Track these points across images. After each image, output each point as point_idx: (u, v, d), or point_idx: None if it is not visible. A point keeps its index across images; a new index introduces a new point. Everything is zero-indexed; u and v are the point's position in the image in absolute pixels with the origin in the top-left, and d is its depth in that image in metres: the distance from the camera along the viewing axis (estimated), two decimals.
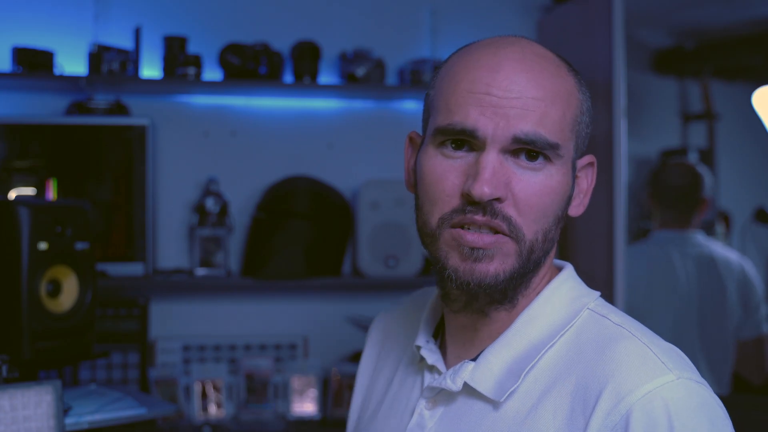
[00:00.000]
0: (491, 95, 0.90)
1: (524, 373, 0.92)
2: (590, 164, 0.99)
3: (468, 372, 0.95)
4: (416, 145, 1.03)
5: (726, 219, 3.93)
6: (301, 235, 2.76)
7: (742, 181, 4.24)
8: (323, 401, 2.71)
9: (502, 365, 0.94)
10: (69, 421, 1.56)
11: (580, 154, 0.97)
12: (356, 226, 2.83)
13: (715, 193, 2.99)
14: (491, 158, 0.89)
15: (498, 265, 0.91)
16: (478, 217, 0.89)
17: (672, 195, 2.87)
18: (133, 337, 2.62)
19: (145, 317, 2.65)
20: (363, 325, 2.72)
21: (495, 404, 0.93)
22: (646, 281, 2.81)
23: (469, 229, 0.91)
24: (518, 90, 0.90)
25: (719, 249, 2.94)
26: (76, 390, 1.80)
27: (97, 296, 1.75)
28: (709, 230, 3.27)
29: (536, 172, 0.90)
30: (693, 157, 3.73)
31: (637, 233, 3.60)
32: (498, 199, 0.89)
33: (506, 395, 0.92)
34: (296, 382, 2.71)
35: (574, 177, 0.96)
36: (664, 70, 4.28)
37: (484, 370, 0.95)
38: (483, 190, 0.87)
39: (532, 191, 0.90)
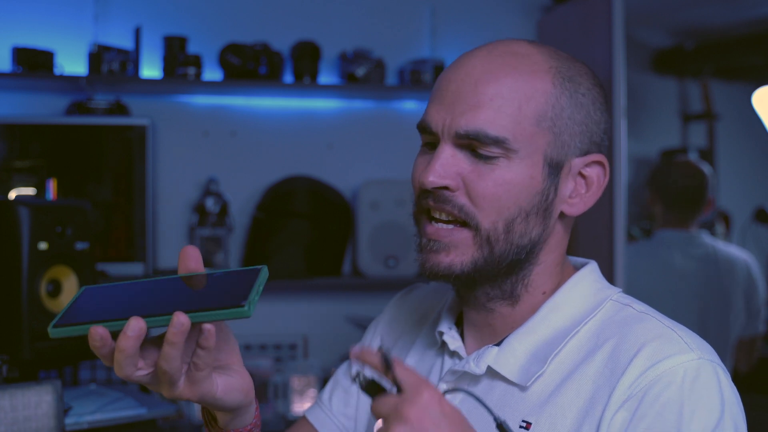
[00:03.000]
0: (448, 91, 0.95)
1: (550, 359, 0.94)
2: (597, 163, 0.98)
3: (492, 356, 0.97)
4: None
5: (726, 219, 3.93)
6: (301, 235, 2.76)
7: (742, 181, 4.24)
8: None
9: (525, 351, 0.96)
10: (69, 421, 1.56)
11: (577, 152, 0.96)
12: (356, 226, 2.83)
13: (715, 193, 2.98)
14: (442, 150, 0.94)
15: (454, 257, 0.95)
16: (431, 202, 0.95)
17: (679, 195, 2.86)
18: None
19: None
20: (363, 325, 2.71)
21: (518, 387, 0.95)
22: (646, 281, 2.81)
23: (432, 219, 0.96)
24: (472, 84, 0.93)
25: (725, 249, 2.93)
26: (76, 390, 1.80)
27: None
28: (709, 230, 3.27)
29: (490, 165, 0.93)
30: (693, 157, 3.73)
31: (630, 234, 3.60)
32: (447, 188, 0.94)
33: (532, 380, 0.94)
34: (296, 382, 2.71)
35: (561, 174, 0.96)
36: (664, 70, 4.28)
37: (508, 355, 0.97)
38: (428, 178, 0.93)
39: (484, 183, 0.93)
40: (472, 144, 0.93)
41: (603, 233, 2.57)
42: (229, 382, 0.85)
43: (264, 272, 0.80)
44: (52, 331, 0.77)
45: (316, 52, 2.77)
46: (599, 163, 0.98)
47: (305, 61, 2.75)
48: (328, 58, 2.88)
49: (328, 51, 2.86)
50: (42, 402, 1.39)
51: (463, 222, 0.94)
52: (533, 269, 0.98)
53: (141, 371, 0.78)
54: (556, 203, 0.97)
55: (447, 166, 0.94)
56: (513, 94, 0.93)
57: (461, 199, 0.94)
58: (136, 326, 0.74)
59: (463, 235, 0.94)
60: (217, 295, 0.77)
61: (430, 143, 0.98)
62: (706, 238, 2.90)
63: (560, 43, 2.92)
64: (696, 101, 4.33)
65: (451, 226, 0.95)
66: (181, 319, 0.74)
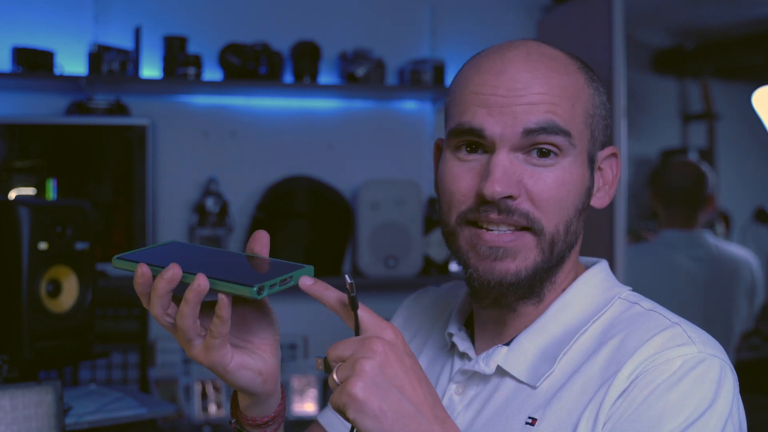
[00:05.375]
0: (497, 96, 0.93)
1: (559, 358, 0.94)
2: (613, 155, 1.01)
3: (501, 356, 0.98)
4: (441, 151, 1.06)
5: (726, 219, 3.93)
6: (301, 235, 2.76)
7: (742, 181, 4.24)
8: (323, 401, 2.71)
9: (535, 350, 0.97)
10: (69, 421, 1.56)
11: (600, 146, 0.99)
12: (356, 226, 2.83)
13: (716, 191, 2.98)
14: (501, 157, 0.92)
15: (520, 262, 0.94)
16: (494, 215, 0.92)
17: (677, 195, 2.86)
18: (133, 337, 2.62)
19: (144, 317, 2.65)
20: None
21: (528, 386, 0.95)
22: (649, 282, 2.80)
23: (487, 228, 0.94)
24: (523, 88, 0.93)
25: (728, 249, 2.92)
26: (76, 390, 1.80)
27: (97, 296, 1.75)
28: (710, 230, 3.27)
29: (548, 167, 0.93)
30: (693, 157, 3.72)
31: (637, 233, 3.60)
32: (511, 197, 0.92)
33: (541, 380, 0.94)
34: (296, 382, 2.71)
35: (594, 169, 0.98)
36: (664, 70, 4.28)
37: (518, 355, 0.97)
38: (494, 188, 0.90)
39: (546, 185, 0.92)
40: (532, 147, 0.92)
41: (603, 234, 2.57)
42: (245, 361, 0.87)
43: (302, 271, 0.83)
44: (114, 262, 0.87)
45: (316, 52, 2.77)
46: (614, 154, 1.01)
47: (305, 61, 2.75)
48: (328, 58, 2.88)
49: (328, 51, 2.86)
50: (42, 402, 1.39)
51: (524, 227, 0.93)
52: (560, 267, 0.99)
53: (168, 318, 0.83)
54: (590, 199, 0.99)
55: (509, 173, 0.92)
56: (564, 93, 0.94)
57: (524, 205, 0.93)
58: (170, 271, 0.80)
59: (527, 239, 0.93)
60: (247, 273, 0.82)
61: (470, 147, 0.94)
62: (709, 237, 2.90)
63: (560, 43, 2.91)
64: (696, 101, 4.33)
65: (513, 230, 0.93)
66: (199, 281, 0.79)
